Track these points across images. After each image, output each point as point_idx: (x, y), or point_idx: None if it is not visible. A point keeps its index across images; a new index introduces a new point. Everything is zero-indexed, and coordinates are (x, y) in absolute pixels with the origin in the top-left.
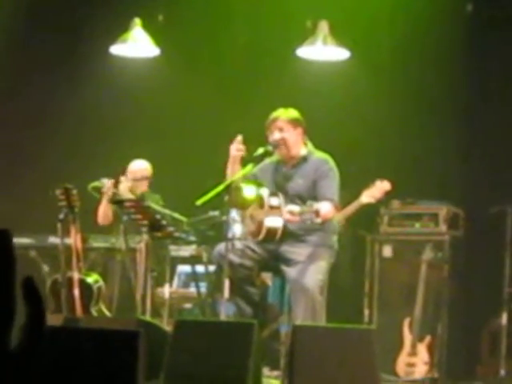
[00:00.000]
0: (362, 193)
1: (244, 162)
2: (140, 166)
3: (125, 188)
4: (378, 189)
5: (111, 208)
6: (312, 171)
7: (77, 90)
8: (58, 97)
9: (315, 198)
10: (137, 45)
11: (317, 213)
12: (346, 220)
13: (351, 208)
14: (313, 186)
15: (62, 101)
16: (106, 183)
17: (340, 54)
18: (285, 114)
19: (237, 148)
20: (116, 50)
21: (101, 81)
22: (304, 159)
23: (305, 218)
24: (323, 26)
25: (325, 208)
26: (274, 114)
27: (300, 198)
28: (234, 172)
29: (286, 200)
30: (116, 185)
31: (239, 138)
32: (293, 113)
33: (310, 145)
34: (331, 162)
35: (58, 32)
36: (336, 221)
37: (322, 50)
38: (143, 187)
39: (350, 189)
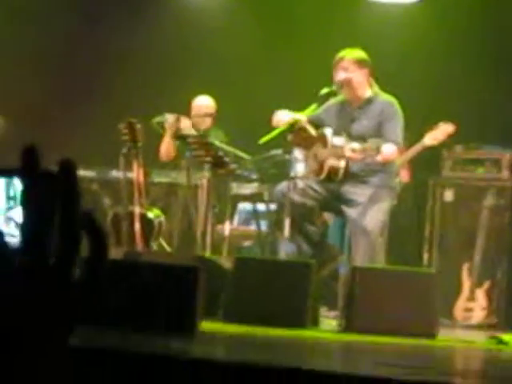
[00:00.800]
0: (424, 135)
1: (308, 102)
2: (203, 102)
3: (187, 125)
4: (441, 131)
5: (174, 144)
6: (377, 113)
7: (144, 26)
8: (125, 32)
9: (379, 140)
10: None
11: (377, 150)
12: (408, 162)
13: (414, 150)
14: (377, 128)
15: (129, 36)
16: (169, 118)
17: None
18: (350, 54)
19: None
20: None
21: (168, 17)
22: (369, 101)
23: (366, 156)
24: None
25: (387, 149)
26: (340, 54)
27: (363, 139)
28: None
29: (349, 140)
30: (179, 120)
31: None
32: (359, 53)
33: (375, 87)
34: (396, 105)
35: None
36: (398, 163)
37: None
38: (207, 123)
39: (414, 131)
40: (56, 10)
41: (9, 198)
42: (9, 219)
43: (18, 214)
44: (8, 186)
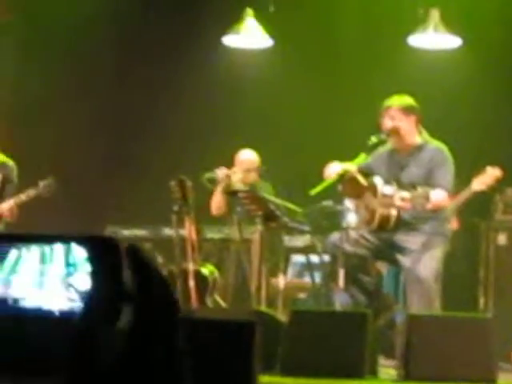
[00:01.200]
0: (472, 180)
1: (357, 151)
2: (248, 157)
3: (237, 179)
4: (489, 175)
5: (225, 199)
6: (427, 160)
7: (189, 82)
8: (171, 88)
9: (429, 187)
10: (250, 35)
11: (427, 197)
12: (459, 208)
13: (463, 196)
14: (427, 175)
15: (175, 93)
16: (220, 173)
17: (451, 41)
18: (397, 101)
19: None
20: (229, 41)
21: (213, 72)
22: (419, 148)
23: (415, 203)
24: (434, 14)
25: (438, 195)
26: (387, 103)
27: (414, 187)
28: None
29: (399, 188)
30: (229, 175)
31: None
32: (406, 100)
33: (424, 133)
34: (446, 152)
35: (170, 24)
36: (449, 209)
37: (434, 38)
38: (253, 177)
39: (462, 176)
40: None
41: (68, 264)
42: (69, 285)
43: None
44: (67, 253)
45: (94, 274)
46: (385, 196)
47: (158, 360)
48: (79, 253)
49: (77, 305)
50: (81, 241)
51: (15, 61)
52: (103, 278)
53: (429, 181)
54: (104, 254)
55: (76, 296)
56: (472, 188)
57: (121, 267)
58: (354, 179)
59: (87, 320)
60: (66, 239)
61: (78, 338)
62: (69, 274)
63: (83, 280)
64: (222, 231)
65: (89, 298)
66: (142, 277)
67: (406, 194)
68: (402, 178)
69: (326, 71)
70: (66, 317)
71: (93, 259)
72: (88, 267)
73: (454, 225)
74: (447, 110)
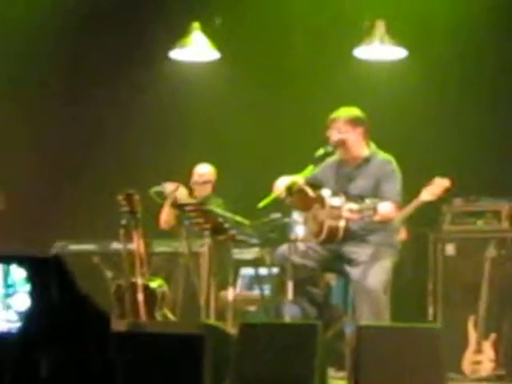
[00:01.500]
0: (421, 191)
1: (305, 163)
2: (205, 170)
3: (183, 194)
4: (437, 186)
5: (173, 212)
6: (375, 172)
7: (137, 96)
8: (119, 103)
9: (377, 199)
10: (196, 49)
11: (374, 210)
12: (407, 219)
13: (411, 206)
14: (375, 187)
15: (123, 107)
16: (168, 187)
17: (397, 53)
18: (343, 113)
19: None
20: (175, 54)
21: (161, 85)
22: (366, 160)
23: (363, 216)
24: (380, 26)
25: (385, 207)
26: (333, 114)
27: (362, 199)
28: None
29: (347, 200)
30: (178, 189)
31: None
32: (353, 112)
33: (372, 145)
34: (394, 163)
35: (117, 38)
36: (398, 220)
37: (379, 50)
38: (207, 191)
39: (410, 187)
40: (50, 83)
41: (7, 285)
42: (8, 306)
43: (18, 301)
44: (6, 274)
45: (31, 294)
46: (333, 208)
47: (92, 372)
48: (18, 273)
49: (15, 325)
50: (19, 261)
51: None
52: (39, 296)
53: (377, 193)
54: (40, 274)
55: (15, 316)
56: (421, 198)
57: (55, 286)
58: (301, 191)
59: (24, 340)
60: (4, 260)
61: (15, 358)
62: (7, 295)
63: (22, 300)
64: (171, 245)
65: (26, 318)
66: (69, 294)
67: (353, 206)
68: (350, 189)
69: (273, 84)
70: (4, 337)
71: (30, 279)
72: (27, 287)
73: (402, 235)
74: (394, 121)
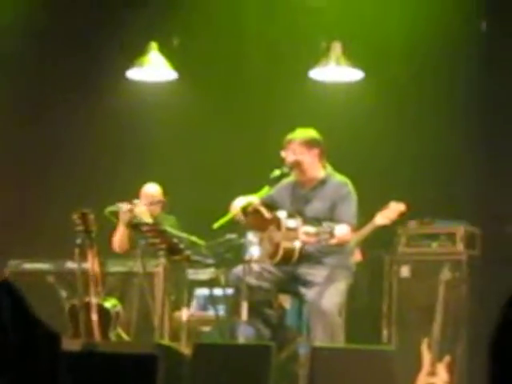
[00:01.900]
0: (376, 214)
1: (261, 184)
2: (154, 190)
3: (142, 211)
4: (392, 210)
5: (127, 234)
6: (330, 194)
7: (94, 116)
8: (74, 122)
9: (333, 221)
10: (154, 69)
11: (331, 233)
12: (362, 241)
13: (366, 230)
14: (331, 209)
15: (79, 126)
16: (123, 207)
17: (353, 74)
18: (299, 135)
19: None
20: (133, 74)
21: (118, 105)
22: (322, 182)
23: (320, 239)
24: (336, 47)
25: (341, 230)
26: (289, 136)
27: (318, 221)
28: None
29: (303, 222)
30: (132, 209)
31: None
32: (309, 133)
33: (328, 167)
34: (350, 185)
35: (72, 58)
36: (353, 242)
37: (335, 71)
38: (157, 210)
39: (365, 210)
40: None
41: None
42: None
43: None
44: None
45: None
46: (289, 229)
47: None
48: None
49: None
50: None
51: None
52: None
53: (332, 215)
54: None
55: None
56: (375, 222)
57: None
58: (257, 212)
59: None
60: None
61: None
62: None
63: None
64: (125, 264)
65: None
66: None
67: (310, 229)
68: (306, 211)
69: (230, 105)
70: None
71: None
72: None
73: (357, 257)
74: (350, 143)
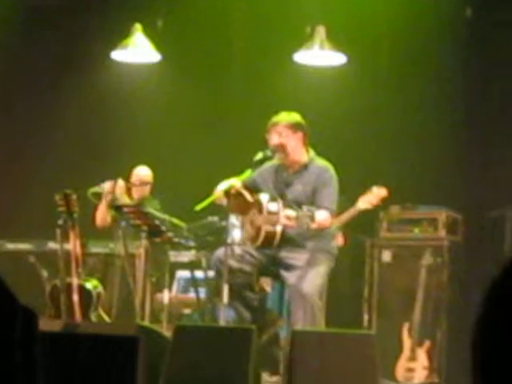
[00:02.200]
0: (358, 199)
1: (244, 167)
2: (145, 172)
3: (121, 191)
4: (374, 195)
5: (109, 212)
6: (312, 179)
7: (77, 97)
8: (59, 103)
9: (313, 206)
10: (138, 50)
11: (312, 218)
12: (344, 226)
13: (348, 214)
14: (312, 194)
15: (63, 107)
16: (105, 187)
17: (337, 59)
18: (285, 118)
19: None
20: (117, 55)
21: (102, 87)
22: (305, 166)
23: (301, 223)
24: (320, 31)
25: (321, 216)
26: (275, 119)
27: (298, 205)
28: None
29: (284, 205)
30: (115, 186)
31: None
32: (294, 117)
33: (311, 151)
34: (332, 170)
35: (57, 39)
36: (334, 227)
37: (319, 55)
38: (145, 192)
39: (348, 194)
40: None
41: None
42: None
43: None
44: None
45: None
46: (270, 213)
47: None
48: None
49: None
50: None
51: None
52: None
53: (313, 199)
54: None
55: None
56: (357, 207)
57: None
58: (239, 195)
59: None
60: None
61: None
62: None
63: None
64: (107, 246)
65: None
66: None
67: (291, 213)
68: (288, 194)
69: (214, 87)
70: None
71: None
72: None
73: (339, 241)
74: (333, 127)
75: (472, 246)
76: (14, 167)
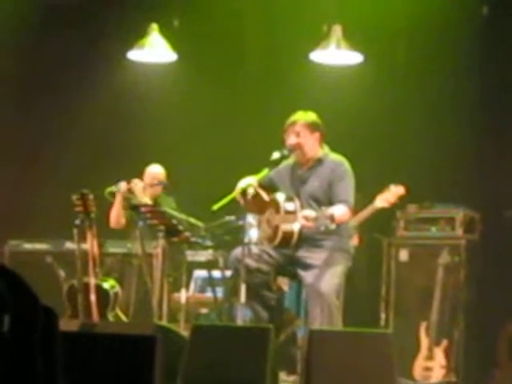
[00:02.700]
0: (376, 197)
1: (261, 166)
2: (157, 170)
3: (140, 190)
4: (392, 193)
5: (125, 213)
6: (327, 173)
7: (95, 96)
8: (77, 103)
9: (330, 200)
10: (154, 50)
11: (332, 218)
12: (361, 224)
13: (365, 213)
14: (328, 188)
15: (81, 107)
16: (122, 187)
17: (353, 58)
18: (303, 117)
19: None
20: (133, 55)
21: (118, 86)
22: (319, 161)
23: (319, 224)
24: (337, 30)
25: (339, 211)
26: (293, 118)
27: (315, 201)
28: None
29: (301, 203)
30: (131, 188)
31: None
32: (311, 116)
33: (325, 147)
34: (346, 164)
35: (74, 39)
36: (351, 225)
37: (336, 54)
38: (158, 191)
39: (365, 193)
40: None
41: None
42: None
43: None
44: None
45: None
46: (288, 212)
47: (37, 373)
48: None
49: None
50: None
51: None
52: None
53: (329, 194)
54: None
55: None
56: (375, 205)
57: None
58: (256, 194)
59: None
60: None
61: None
62: None
63: None
64: (124, 245)
65: None
66: (15, 291)
67: (309, 213)
68: (303, 191)
69: (230, 86)
70: None
71: None
72: None
73: (355, 241)
74: (350, 125)
75: (489, 245)
76: (31, 167)
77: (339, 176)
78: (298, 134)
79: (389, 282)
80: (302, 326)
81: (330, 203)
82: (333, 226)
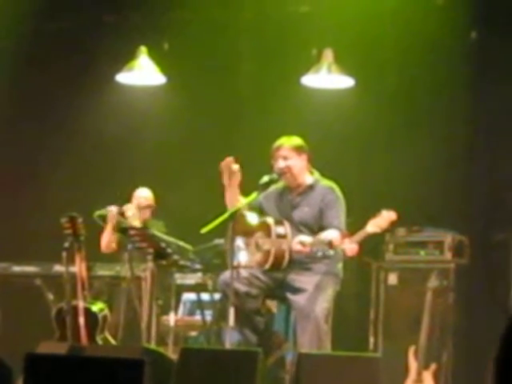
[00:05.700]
0: (367, 222)
1: (249, 190)
2: (146, 194)
3: (133, 215)
4: (383, 219)
5: (115, 236)
6: (318, 200)
7: (83, 119)
8: (65, 125)
9: (321, 226)
10: (143, 73)
11: (330, 244)
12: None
13: (357, 237)
14: (319, 215)
15: (69, 130)
16: (112, 211)
17: (344, 82)
18: (288, 141)
19: (229, 171)
20: (122, 78)
21: (106, 109)
22: (310, 187)
23: (316, 250)
24: (328, 54)
25: (333, 235)
26: (278, 143)
27: (306, 226)
28: (232, 197)
29: (291, 228)
30: (121, 212)
31: (228, 160)
32: (296, 140)
33: (316, 173)
34: (337, 191)
35: (64, 62)
36: (341, 250)
37: (327, 78)
38: (147, 214)
39: (355, 217)
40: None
41: None
42: None
43: None
44: None
45: None
46: (279, 236)
47: None
48: None
49: None
50: None
51: None
52: None
53: (321, 220)
54: None
55: None
56: (366, 230)
57: None
58: (243, 217)
59: None
60: None
61: None
62: None
63: None
64: (113, 268)
65: None
66: None
67: (305, 239)
68: (295, 217)
69: (219, 110)
70: None
71: None
72: None
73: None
74: (341, 150)
75: (478, 269)
76: (20, 191)
77: (330, 203)
78: (285, 158)
79: (378, 305)
80: (290, 349)
81: (321, 229)
82: (331, 252)
